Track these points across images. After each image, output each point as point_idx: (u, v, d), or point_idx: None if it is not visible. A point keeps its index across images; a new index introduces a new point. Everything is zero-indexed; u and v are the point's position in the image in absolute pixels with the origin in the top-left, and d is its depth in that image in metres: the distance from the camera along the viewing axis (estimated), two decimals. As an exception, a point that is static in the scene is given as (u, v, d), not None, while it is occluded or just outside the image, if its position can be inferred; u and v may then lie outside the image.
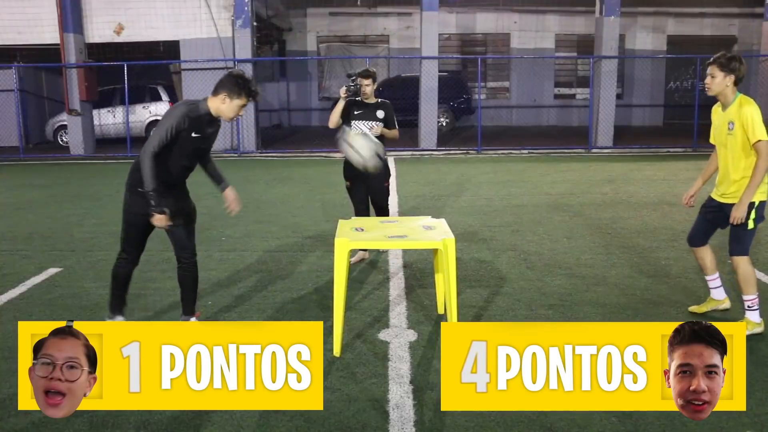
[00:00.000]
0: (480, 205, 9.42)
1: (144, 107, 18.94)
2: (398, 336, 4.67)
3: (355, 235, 4.45)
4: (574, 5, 22.44)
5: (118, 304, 4.72)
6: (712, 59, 4.67)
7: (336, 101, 6.36)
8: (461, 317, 4.91)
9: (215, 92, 4.33)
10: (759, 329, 4.65)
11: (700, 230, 4.93)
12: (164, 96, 18.97)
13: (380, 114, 6.27)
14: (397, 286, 5.79)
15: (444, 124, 19.95)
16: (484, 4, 22.93)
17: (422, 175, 12.59)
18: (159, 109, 18.88)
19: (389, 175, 6.51)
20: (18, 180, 12.84)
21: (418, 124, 16.73)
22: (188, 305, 4.72)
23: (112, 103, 18.89)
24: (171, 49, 17.39)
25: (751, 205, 4.54)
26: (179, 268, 4.68)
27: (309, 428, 3.45)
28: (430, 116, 16.66)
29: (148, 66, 20.11)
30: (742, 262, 4.66)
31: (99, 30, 16.72)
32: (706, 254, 4.94)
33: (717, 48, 22.43)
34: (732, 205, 4.59)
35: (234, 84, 4.28)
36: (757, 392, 3.78)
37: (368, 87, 6.21)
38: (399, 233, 4.51)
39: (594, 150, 16.62)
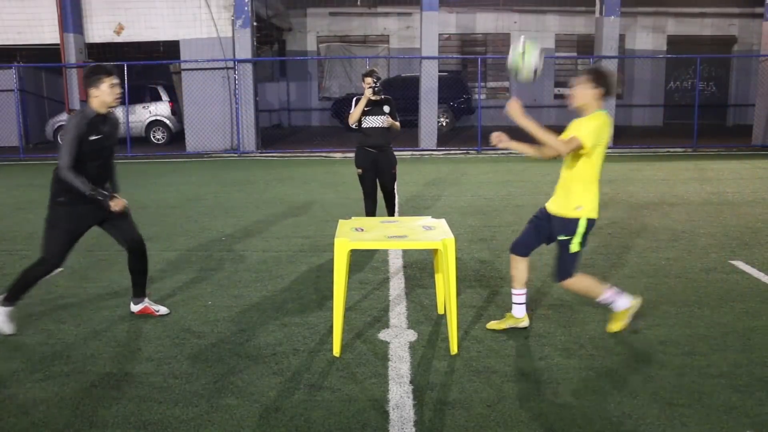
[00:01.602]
0: (480, 205, 9.42)
1: (144, 107, 18.93)
2: (398, 336, 4.67)
3: (354, 235, 4.44)
4: (574, 5, 22.44)
5: (18, 297, 4.85)
6: (582, 73, 4.41)
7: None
8: (461, 317, 4.91)
9: (87, 93, 4.66)
10: (633, 310, 4.53)
11: (525, 239, 4.64)
12: (164, 96, 18.97)
13: (386, 109, 7.07)
14: (397, 286, 5.79)
15: (444, 124, 19.95)
16: (484, 4, 22.92)
17: (422, 175, 12.59)
18: (159, 109, 18.88)
19: (395, 162, 7.24)
20: (18, 180, 12.84)
21: (418, 124, 16.72)
22: (143, 288, 5.09)
23: (112, 103, 18.85)
24: (171, 49, 17.38)
25: (576, 225, 4.30)
26: (135, 257, 4.98)
27: (309, 428, 3.45)
28: (430, 116, 16.65)
29: (148, 66, 20.14)
30: (571, 284, 4.45)
31: (99, 30, 16.72)
32: (523, 266, 4.63)
33: (717, 48, 22.34)
34: (560, 218, 4.36)
35: (91, 75, 4.63)
36: (757, 392, 3.77)
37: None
38: (399, 233, 4.51)
39: (594, 150, 16.59)
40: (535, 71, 4.55)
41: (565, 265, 4.43)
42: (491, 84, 23.65)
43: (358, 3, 22.28)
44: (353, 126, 7.08)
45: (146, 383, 3.96)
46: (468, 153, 16.27)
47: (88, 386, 3.93)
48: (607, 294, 4.49)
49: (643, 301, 4.54)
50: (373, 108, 7.01)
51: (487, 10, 23.03)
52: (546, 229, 4.52)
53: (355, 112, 7.00)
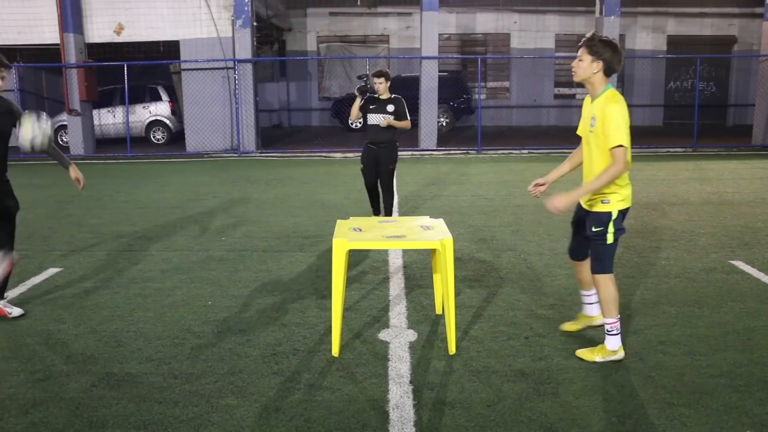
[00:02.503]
0: (480, 205, 9.42)
1: (144, 107, 18.96)
2: (398, 336, 4.66)
3: (353, 236, 4.44)
4: (574, 5, 22.44)
5: None
6: (582, 41, 4.09)
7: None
8: (461, 317, 4.91)
9: None
10: (615, 357, 4.17)
11: (574, 242, 4.50)
12: (164, 96, 18.99)
13: (390, 108, 7.47)
14: (396, 286, 5.79)
15: (444, 124, 19.95)
16: (484, 4, 22.93)
17: (422, 175, 12.59)
18: (159, 109, 18.89)
19: (395, 160, 7.69)
20: (18, 180, 12.72)
21: (418, 124, 16.72)
22: (1, 292, 5.16)
23: (112, 103, 18.90)
24: (171, 49, 17.37)
25: (608, 216, 4.10)
26: None
27: (309, 428, 3.45)
28: (430, 116, 16.66)
29: (148, 66, 20.12)
30: (603, 281, 4.16)
31: (99, 30, 16.72)
32: (584, 269, 4.49)
33: (717, 48, 22.32)
34: (592, 212, 4.14)
35: None
36: (757, 392, 3.77)
37: (380, 85, 7.44)
38: (397, 233, 4.51)
39: (594, 150, 16.60)
40: (32, 140, 5.08)
41: (602, 256, 4.16)
42: (491, 84, 23.64)
43: (358, 3, 22.28)
44: (354, 124, 7.71)
45: (146, 383, 3.96)
46: (468, 153, 16.26)
47: (88, 386, 3.93)
48: (614, 320, 4.18)
49: (624, 356, 4.22)
50: (377, 106, 7.46)
51: (487, 10, 23.04)
52: (583, 223, 4.33)
53: (352, 110, 7.59)
